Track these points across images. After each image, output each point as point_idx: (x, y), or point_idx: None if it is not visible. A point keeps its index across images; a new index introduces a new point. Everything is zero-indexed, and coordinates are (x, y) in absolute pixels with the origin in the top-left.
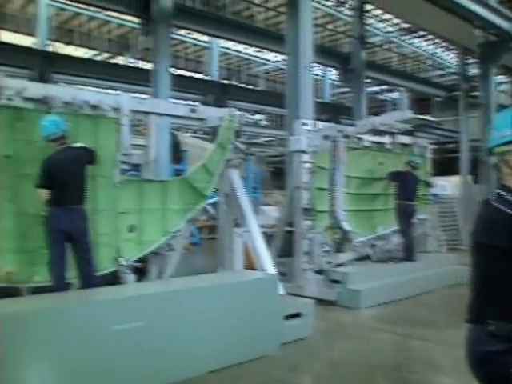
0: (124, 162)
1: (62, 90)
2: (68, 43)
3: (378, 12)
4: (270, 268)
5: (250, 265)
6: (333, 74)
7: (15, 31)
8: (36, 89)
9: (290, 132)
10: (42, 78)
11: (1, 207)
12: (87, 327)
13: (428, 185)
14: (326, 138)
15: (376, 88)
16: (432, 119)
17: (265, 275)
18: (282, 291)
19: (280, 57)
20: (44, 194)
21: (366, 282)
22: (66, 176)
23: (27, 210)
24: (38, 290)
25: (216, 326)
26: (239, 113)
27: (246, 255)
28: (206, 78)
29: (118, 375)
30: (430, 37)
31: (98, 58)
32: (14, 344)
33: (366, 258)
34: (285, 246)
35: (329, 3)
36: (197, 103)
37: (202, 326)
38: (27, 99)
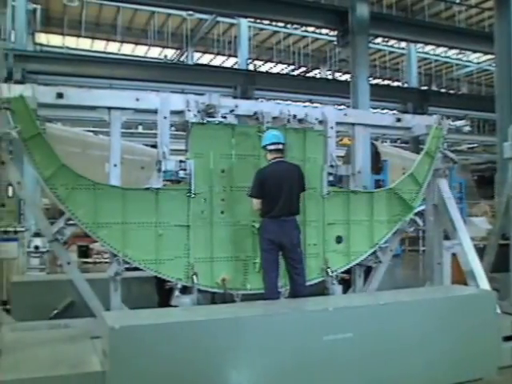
0: (330, 174)
1: (270, 106)
2: (267, 60)
3: None
4: (485, 284)
5: (459, 279)
6: None
7: (219, 54)
8: (247, 106)
9: (503, 137)
10: (244, 95)
11: (216, 218)
12: (299, 335)
13: None
14: None
15: None
16: None
17: (481, 292)
18: (498, 310)
19: (484, 57)
20: (256, 203)
21: None
22: (278, 187)
23: (239, 220)
24: (249, 297)
25: (426, 343)
26: (447, 120)
27: (455, 269)
28: (403, 85)
29: None
30: None
31: (295, 73)
32: (228, 346)
33: None
34: (498, 260)
35: None
36: (394, 111)
37: (410, 342)
38: (238, 116)
